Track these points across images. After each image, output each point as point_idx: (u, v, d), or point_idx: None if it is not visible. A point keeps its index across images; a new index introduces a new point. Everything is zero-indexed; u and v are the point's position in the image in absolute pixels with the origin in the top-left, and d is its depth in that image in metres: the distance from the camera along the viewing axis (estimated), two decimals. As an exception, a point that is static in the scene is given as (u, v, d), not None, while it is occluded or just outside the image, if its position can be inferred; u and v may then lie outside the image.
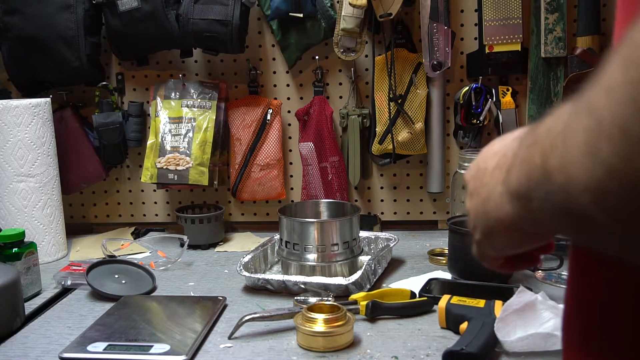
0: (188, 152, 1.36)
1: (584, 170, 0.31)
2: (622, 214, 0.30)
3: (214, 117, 1.38)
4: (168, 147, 1.37)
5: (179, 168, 1.36)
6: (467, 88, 1.35)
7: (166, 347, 0.84)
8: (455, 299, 0.91)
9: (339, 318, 0.86)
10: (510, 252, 0.50)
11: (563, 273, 1.05)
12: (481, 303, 0.89)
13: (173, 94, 1.41)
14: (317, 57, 1.39)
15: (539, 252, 0.53)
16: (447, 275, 1.11)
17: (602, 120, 0.29)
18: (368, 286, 1.06)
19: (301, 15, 1.31)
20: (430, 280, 1.04)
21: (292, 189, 1.47)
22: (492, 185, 0.47)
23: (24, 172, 1.26)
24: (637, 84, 0.27)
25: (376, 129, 1.37)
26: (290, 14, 1.30)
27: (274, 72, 1.43)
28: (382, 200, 1.45)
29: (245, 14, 1.31)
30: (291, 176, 1.47)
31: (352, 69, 1.39)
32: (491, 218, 0.47)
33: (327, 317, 0.85)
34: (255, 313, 0.92)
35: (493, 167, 0.48)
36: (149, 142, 1.40)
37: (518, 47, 1.31)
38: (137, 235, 1.46)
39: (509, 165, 0.44)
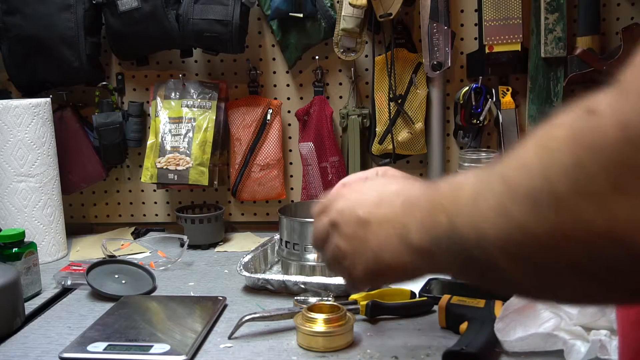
0: (188, 152, 1.36)
1: (493, 225, 0.39)
2: (520, 259, 0.38)
3: (214, 117, 1.38)
4: (168, 147, 1.37)
5: (179, 168, 1.36)
6: (467, 88, 1.35)
7: (166, 347, 0.84)
8: (455, 299, 0.91)
9: (339, 318, 0.86)
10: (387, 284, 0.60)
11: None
12: (481, 303, 0.89)
13: (173, 94, 1.41)
14: (317, 57, 1.39)
15: None
16: (447, 275, 1.11)
17: (516, 188, 0.37)
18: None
19: (301, 15, 1.31)
20: (430, 280, 1.04)
21: (292, 189, 1.47)
22: (384, 237, 0.54)
23: (24, 172, 1.26)
24: (547, 166, 0.35)
25: (376, 129, 1.37)
26: (290, 14, 1.30)
27: (274, 72, 1.43)
28: (382, 200, 1.45)
29: (245, 14, 1.31)
30: (291, 176, 1.47)
31: (352, 69, 1.39)
32: (384, 264, 0.54)
33: (327, 317, 0.85)
34: (255, 313, 0.92)
35: (380, 220, 0.55)
36: (149, 142, 1.40)
37: (518, 47, 1.31)
38: (137, 235, 1.46)
39: (404, 223, 0.51)
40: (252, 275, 1.07)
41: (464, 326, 0.86)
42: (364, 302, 0.94)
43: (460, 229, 0.42)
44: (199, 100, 1.39)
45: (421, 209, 0.49)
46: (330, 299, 0.98)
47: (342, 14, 1.29)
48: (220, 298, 1.02)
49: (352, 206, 0.59)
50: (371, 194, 0.59)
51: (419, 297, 0.99)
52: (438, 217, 0.45)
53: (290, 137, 1.46)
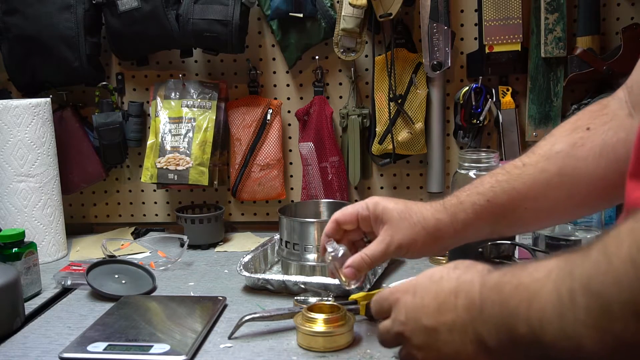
0: (188, 152, 1.36)
1: (591, 339, 0.38)
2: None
3: (214, 117, 1.38)
4: (168, 147, 1.37)
5: (179, 168, 1.36)
6: (467, 88, 1.35)
7: (166, 347, 0.84)
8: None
9: (339, 318, 0.86)
10: None
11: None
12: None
13: (173, 94, 1.41)
14: (317, 57, 1.39)
15: None
16: None
17: (610, 304, 0.37)
18: (368, 286, 1.06)
19: (301, 15, 1.31)
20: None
21: (292, 189, 1.47)
22: (459, 345, 0.55)
23: (24, 172, 1.26)
24: None
25: (376, 129, 1.37)
26: (290, 14, 1.30)
27: (274, 72, 1.43)
28: (382, 200, 1.45)
29: (245, 14, 1.31)
30: (291, 176, 1.47)
31: (352, 69, 1.39)
32: None
33: (327, 317, 0.85)
34: (255, 313, 0.92)
35: (447, 327, 0.56)
36: (149, 142, 1.40)
37: (518, 47, 1.31)
38: (137, 235, 1.46)
39: (476, 331, 0.52)
40: (252, 275, 1.07)
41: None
42: (364, 302, 0.94)
43: (547, 341, 0.42)
44: (199, 100, 1.39)
45: (492, 315, 0.49)
46: (330, 299, 0.98)
47: (342, 14, 1.29)
48: (220, 298, 1.02)
49: (414, 313, 0.60)
50: (426, 298, 0.59)
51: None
52: (517, 329, 0.46)
53: (290, 137, 1.46)
